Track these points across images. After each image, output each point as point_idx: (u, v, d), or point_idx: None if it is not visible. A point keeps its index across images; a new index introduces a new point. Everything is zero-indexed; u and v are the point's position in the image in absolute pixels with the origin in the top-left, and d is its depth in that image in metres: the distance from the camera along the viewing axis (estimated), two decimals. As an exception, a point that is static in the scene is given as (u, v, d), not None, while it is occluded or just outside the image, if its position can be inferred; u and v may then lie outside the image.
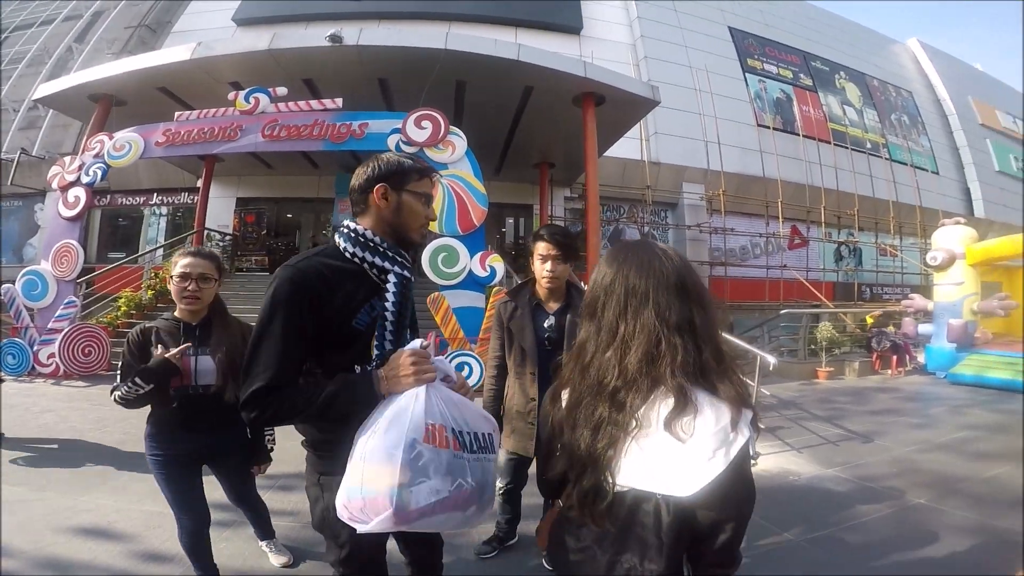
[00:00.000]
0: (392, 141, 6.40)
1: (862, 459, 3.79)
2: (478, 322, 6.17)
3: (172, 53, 7.95)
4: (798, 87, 16.80)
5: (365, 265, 1.20)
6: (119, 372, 1.80)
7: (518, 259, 11.16)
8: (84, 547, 2.28)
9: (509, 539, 2.39)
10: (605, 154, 10.19)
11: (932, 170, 18.30)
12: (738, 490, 0.80)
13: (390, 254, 1.21)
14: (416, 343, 1.14)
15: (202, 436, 1.84)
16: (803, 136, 15.70)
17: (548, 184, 12.12)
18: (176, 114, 7.15)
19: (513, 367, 2.14)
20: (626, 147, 11.31)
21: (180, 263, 1.82)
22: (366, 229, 1.22)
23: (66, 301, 6.83)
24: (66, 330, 6.48)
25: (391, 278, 1.20)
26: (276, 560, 2.24)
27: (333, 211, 13.21)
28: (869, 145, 17.03)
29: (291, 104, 6.87)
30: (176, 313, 1.88)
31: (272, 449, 2.07)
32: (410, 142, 6.35)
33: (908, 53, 21.50)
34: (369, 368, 1.14)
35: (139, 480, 3.07)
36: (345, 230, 1.23)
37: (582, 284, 2.17)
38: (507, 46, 7.67)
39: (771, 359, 4.13)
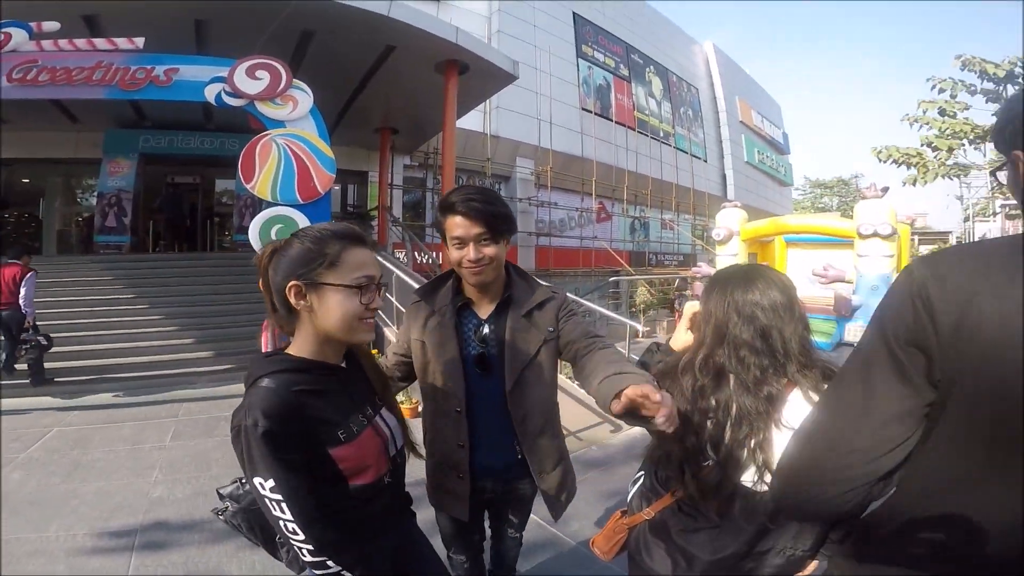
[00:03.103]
0: (211, 92, 5.15)
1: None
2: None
3: None
4: (617, 76, 18.23)
5: None
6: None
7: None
8: None
9: None
10: (449, 125, 10.07)
11: (703, 158, 22.06)
12: None
13: None
14: None
15: (402, 521, 1.17)
16: (615, 122, 17.39)
17: (390, 150, 11.56)
18: None
19: (432, 399, 1.41)
20: (469, 119, 11.34)
21: (350, 260, 0.96)
22: None
23: None
24: None
25: None
26: None
27: (100, 173, 10.44)
28: (662, 134, 19.72)
29: (62, 42, 5.09)
30: (302, 350, 0.99)
31: None
32: (237, 94, 5.15)
33: (702, 54, 24.62)
34: None
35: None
36: None
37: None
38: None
39: (638, 326, 4.83)
